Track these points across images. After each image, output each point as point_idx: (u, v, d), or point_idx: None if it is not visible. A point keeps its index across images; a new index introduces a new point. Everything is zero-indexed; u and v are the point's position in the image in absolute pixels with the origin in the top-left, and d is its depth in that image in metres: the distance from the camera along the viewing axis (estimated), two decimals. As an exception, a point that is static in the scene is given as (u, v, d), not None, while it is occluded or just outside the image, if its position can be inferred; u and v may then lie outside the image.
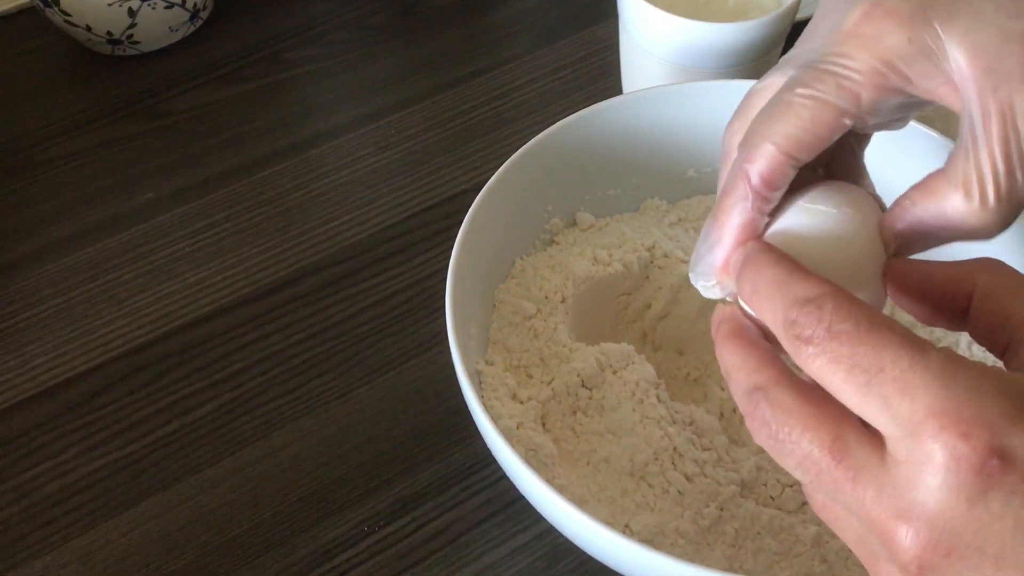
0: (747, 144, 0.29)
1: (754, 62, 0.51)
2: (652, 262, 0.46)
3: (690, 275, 0.32)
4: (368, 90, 0.62)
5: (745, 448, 0.40)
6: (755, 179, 0.29)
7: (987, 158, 0.26)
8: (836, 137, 0.28)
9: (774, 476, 0.39)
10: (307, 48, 0.64)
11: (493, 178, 0.44)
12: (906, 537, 0.23)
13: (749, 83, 0.47)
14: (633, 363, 0.41)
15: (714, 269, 0.30)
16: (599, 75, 0.62)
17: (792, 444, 0.25)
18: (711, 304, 0.46)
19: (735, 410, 0.42)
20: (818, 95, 0.28)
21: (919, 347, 0.24)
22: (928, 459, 0.23)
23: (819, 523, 0.38)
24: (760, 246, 0.28)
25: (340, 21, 0.66)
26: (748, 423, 0.26)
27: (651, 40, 0.52)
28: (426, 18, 0.66)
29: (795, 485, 0.39)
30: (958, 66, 0.26)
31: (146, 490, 0.45)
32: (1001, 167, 0.26)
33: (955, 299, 0.28)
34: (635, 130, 0.48)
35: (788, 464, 0.25)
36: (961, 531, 0.23)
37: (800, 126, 0.28)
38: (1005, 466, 0.23)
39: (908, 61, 0.27)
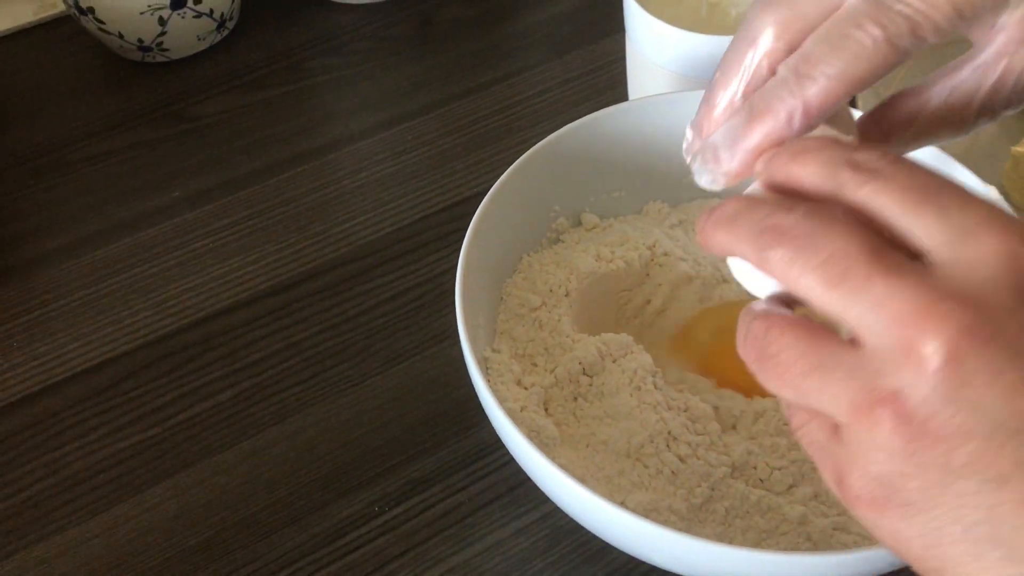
0: (804, 73, 0.28)
1: (754, 73, 0.53)
2: (653, 260, 0.48)
3: (693, 163, 0.32)
4: (385, 98, 0.65)
5: (736, 435, 0.42)
6: (812, 110, 0.28)
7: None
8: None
9: (764, 460, 0.41)
10: (328, 57, 0.67)
11: (502, 178, 0.46)
12: (946, 318, 0.22)
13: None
14: (632, 352, 0.43)
15: (728, 169, 0.30)
16: (607, 86, 0.65)
17: (825, 241, 0.24)
18: (709, 300, 0.49)
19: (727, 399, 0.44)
20: (891, 39, 0.27)
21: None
22: (982, 254, 0.23)
23: (805, 504, 0.40)
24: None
25: (360, 32, 0.69)
26: (759, 239, 0.25)
27: (656, 51, 0.54)
28: (442, 30, 0.69)
29: (783, 468, 0.41)
30: (1003, 22, 0.28)
31: (168, 470, 0.48)
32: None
33: None
34: (639, 135, 0.50)
35: (805, 267, 0.24)
36: (1006, 323, 0.22)
37: (864, 67, 0.28)
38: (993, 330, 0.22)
39: (981, 8, 0.28)
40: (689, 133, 0.33)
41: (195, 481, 0.47)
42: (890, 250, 0.24)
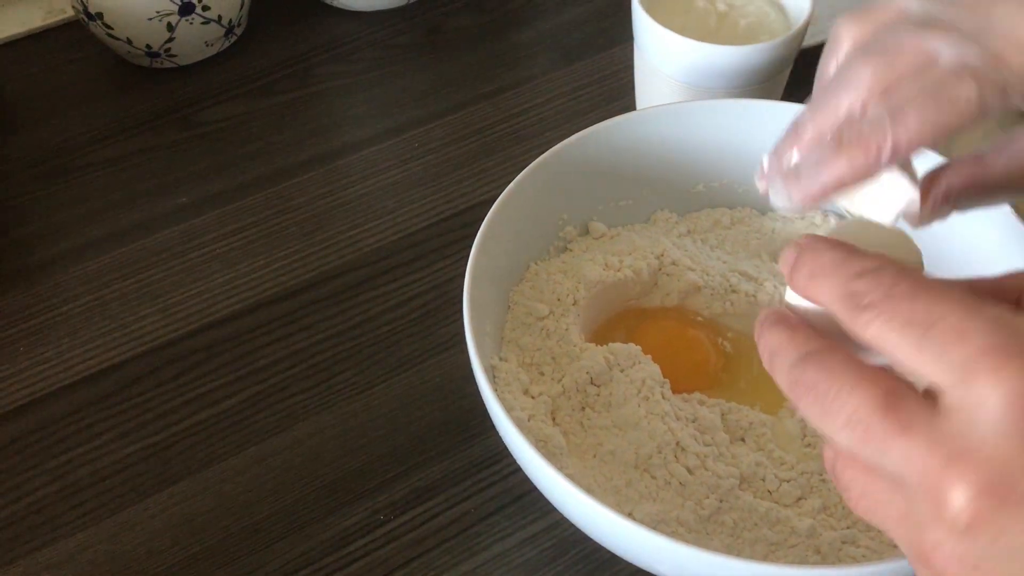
0: (898, 115, 0.30)
1: (763, 83, 0.54)
2: (661, 269, 0.48)
3: (771, 183, 0.33)
4: (393, 105, 0.65)
5: (745, 446, 0.42)
6: (900, 147, 0.30)
7: None
8: None
9: (772, 471, 0.41)
10: (336, 64, 0.67)
11: (511, 186, 0.46)
12: (958, 484, 0.22)
13: (758, 102, 0.49)
14: (639, 362, 0.43)
15: (808, 192, 0.32)
16: (615, 95, 0.65)
17: (841, 402, 0.25)
18: (717, 310, 0.48)
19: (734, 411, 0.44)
20: (983, 97, 0.30)
21: (974, 301, 0.24)
22: (983, 399, 0.22)
23: (813, 516, 0.40)
24: (816, 238, 0.29)
25: (368, 40, 0.69)
26: (792, 392, 0.26)
27: (665, 61, 0.54)
28: (450, 39, 0.69)
29: (792, 480, 0.41)
30: None
31: (173, 476, 0.47)
32: None
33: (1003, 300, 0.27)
34: (647, 145, 0.50)
35: (833, 426, 0.25)
36: (1018, 474, 0.22)
37: (954, 119, 0.30)
38: None
39: None
40: (766, 161, 0.34)
41: (200, 488, 0.47)
42: (901, 400, 0.24)
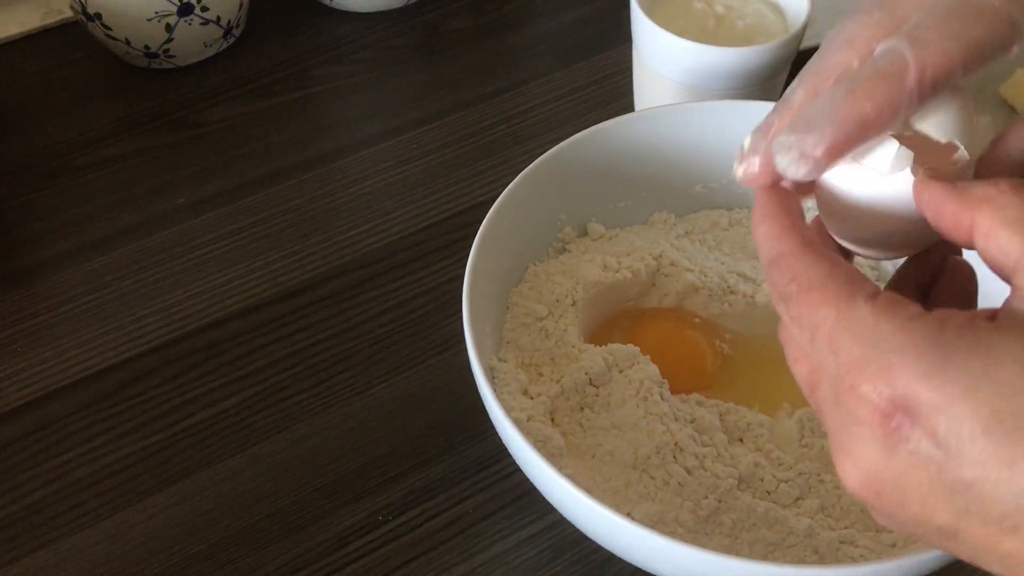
0: (920, 36, 0.26)
1: (760, 84, 0.54)
2: (659, 270, 0.48)
3: (776, 144, 0.28)
4: (391, 106, 0.65)
5: (743, 446, 0.42)
6: (928, 70, 0.26)
7: None
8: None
9: (771, 472, 0.41)
10: (334, 66, 0.67)
11: (510, 187, 0.46)
12: (846, 474, 0.26)
13: (756, 104, 0.49)
14: (638, 363, 0.43)
15: (823, 141, 0.27)
16: (613, 97, 0.65)
17: (791, 365, 0.28)
18: (714, 311, 0.48)
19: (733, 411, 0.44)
20: (1019, 18, 0.26)
21: (848, 301, 0.26)
22: (851, 409, 0.25)
23: (811, 516, 0.40)
24: (766, 197, 0.29)
25: (365, 41, 0.69)
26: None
27: (663, 63, 0.54)
28: (448, 40, 0.69)
29: (790, 480, 0.41)
30: None
31: (171, 477, 0.47)
32: None
33: (961, 234, 0.26)
34: (646, 146, 0.50)
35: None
36: (883, 476, 0.25)
37: (983, 32, 0.26)
38: (912, 421, 0.24)
39: None
40: (747, 140, 0.31)
41: (198, 488, 0.47)
42: (817, 385, 0.27)
